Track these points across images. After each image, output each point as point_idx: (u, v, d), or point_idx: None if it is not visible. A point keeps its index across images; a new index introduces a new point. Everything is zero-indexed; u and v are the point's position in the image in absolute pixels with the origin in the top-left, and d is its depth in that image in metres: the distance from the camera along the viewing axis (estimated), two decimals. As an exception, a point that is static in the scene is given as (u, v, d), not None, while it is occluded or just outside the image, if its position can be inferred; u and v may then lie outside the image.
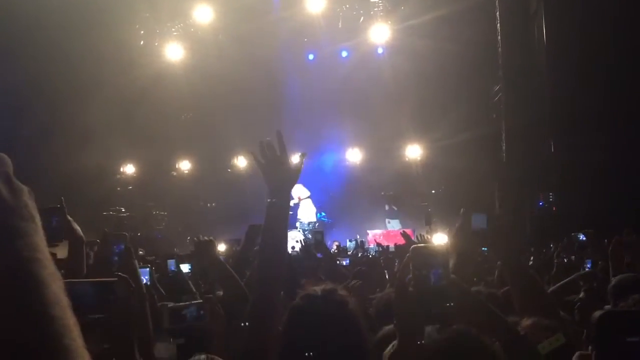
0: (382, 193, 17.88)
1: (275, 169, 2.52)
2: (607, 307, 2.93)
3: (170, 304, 3.62)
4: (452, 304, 1.84)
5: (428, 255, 1.88)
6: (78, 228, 2.95)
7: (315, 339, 1.85)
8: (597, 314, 2.01)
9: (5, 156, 1.01)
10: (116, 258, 3.11)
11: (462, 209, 2.81)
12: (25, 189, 0.99)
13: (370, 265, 5.88)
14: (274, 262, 2.41)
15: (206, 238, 4.35)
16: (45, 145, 13.93)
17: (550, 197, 15.55)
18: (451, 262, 2.76)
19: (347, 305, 1.93)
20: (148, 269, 4.97)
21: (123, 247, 3.11)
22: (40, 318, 0.87)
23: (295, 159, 2.61)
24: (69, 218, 2.91)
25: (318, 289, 1.99)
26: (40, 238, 0.96)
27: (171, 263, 5.20)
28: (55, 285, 0.92)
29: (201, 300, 3.88)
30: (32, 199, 1.00)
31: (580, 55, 13.78)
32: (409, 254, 1.90)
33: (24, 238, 0.94)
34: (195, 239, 4.40)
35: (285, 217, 2.49)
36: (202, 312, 4.02)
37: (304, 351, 1.85)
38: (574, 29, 13.86)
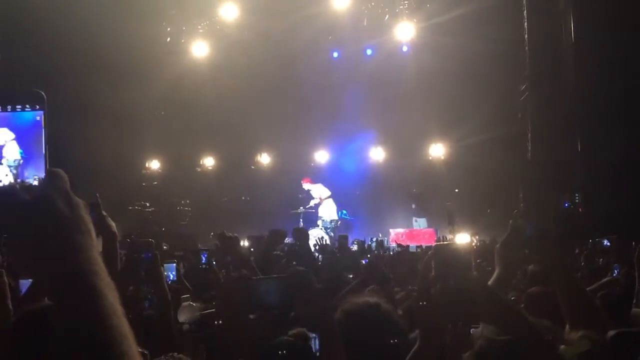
0: (414, 190, 17.76)
1: None
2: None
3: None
4: (474, 304, 1.79)
5: (451, 254, 1.84)
6: (113, 224, 3.00)
7: (363, 353, 1.84)
8: (611, 333, 1.99)
9: (61, 171, 1.06)
10: (143, 266, 3.15)
11: (511, 221, 2.62)
12: (81, 203, 1.05)
13: (391, 265, 5.86)
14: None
15: (231, 234, 4.41)
16: (75, 140, 14.18)
17: (577, 198, 15.34)
18: (494, 275, 2.71)
19: (392, 318, 1.91)
20: (174, 264, 5.04)
21: (150, 255, 3.15)
22: (100, 327, 0.93)
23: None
24: (104, 214, 2.93)
25: (361, 302, 1.96)
26: (96, 251, 1.02)
27: (203, 256, 5.29)
28: (112, 296, 0.98)
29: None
30: (87, 213, 1.05)
31: (608, 54, 13.58)
32: (432, 251, 1.87)
33: (83, 252, 1.00)
34: (220, 234, 4.46)
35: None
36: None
37: None
38: (601, 27, 13.66)
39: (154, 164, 18.98)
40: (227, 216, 16.83)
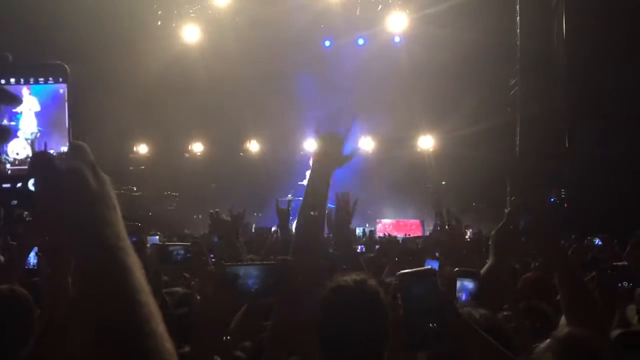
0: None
1: (329, 146, 2.45)
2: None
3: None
4: (440, 326, 1.78)
5: (416, 279, 1.82)
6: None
7: (347, 331, 1.84)
8: (615, 333, 2.01)
9: (86, 146, 1.04)
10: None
11: (507, 209, 2.61)
12: (108, 179, 1.03)
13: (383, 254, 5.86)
14: (312, 237, 2.39)
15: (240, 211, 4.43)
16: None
17: (563, 193, 15.45)
18: (487, 264, 2.70)
19: (378, 296, 1.91)
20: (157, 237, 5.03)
21: (135, 239, 3.12)
22: (129, 303, 0.91)
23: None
24: None
25: (349, 279, 1.96)
26: (122, 227, 1.00)
27: (214, 238, 5.31)
28: (139, 273, 0.95)
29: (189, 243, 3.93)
30: (113, 189, 1.03)
31: (599, 49, 13.64)
32: (396, 280, 1.84)
33: (111, 227, 0.98)
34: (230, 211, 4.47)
35: (324, 195, 2.44)
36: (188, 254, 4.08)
37: (337, 343, 1.85)
38: (593, 23, 13.71)
39: (142, 148, 18.84)
40: (214, 202, 16.77)
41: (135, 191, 16.13)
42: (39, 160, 1.01)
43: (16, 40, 13.77)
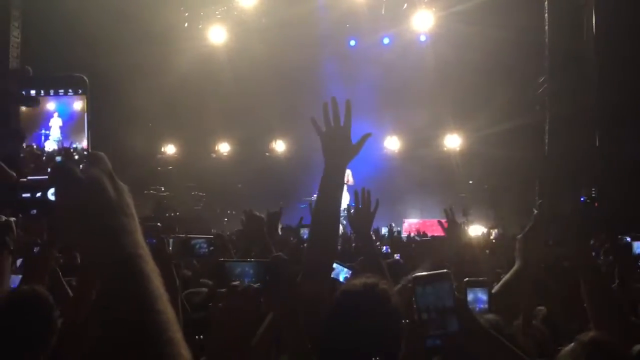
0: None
1: (335, 140, 2.42)
2: None
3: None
4: (455, 332, 1.75)
5: (430, 282, 1.80)
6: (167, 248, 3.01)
7: (356, 336, 1.82)
8: (637, 348, 1.98)
9: (104, 155, 1.06)
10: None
11: (534, 210, 2.57)
12: (126, 187, 1.05)
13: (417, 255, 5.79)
14: (327, 236, 2.38)
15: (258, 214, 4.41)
16: (95, 124, 14.25)
17: (593, 192, 15.16)
18: (513, 268, 2.65)
19: (389, 301, 1.89)
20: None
21: (155, 240, 3.14)
22: (147, 311, 0.93)
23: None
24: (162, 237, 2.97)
25: (359, 282, 1.94)
26: (140, 235, 1.02)
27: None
28: (157, 280, 0.97)
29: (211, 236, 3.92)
30: (131, 197, 1.05)
31: (629, 48, 13.34)
32: (409, 284, 1.83)
33: (129, 235, 1.00)
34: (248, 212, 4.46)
35: (338, 191, 2.42)
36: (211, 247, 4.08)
37: (344, 347, 1.84)
38: (623, 20, 13.42)
39: (170, 149, 19.07)
40: (240, 202, 16.90)
41: (163, 191, 16.31)
42: (59, 171, 1.03)
43: (43, 47, 14.09)
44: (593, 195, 15.11)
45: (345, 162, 2.43)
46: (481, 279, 2.54)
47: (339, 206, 2.44)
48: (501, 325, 2.05)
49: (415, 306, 1.76)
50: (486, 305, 2.42)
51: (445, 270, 1.82)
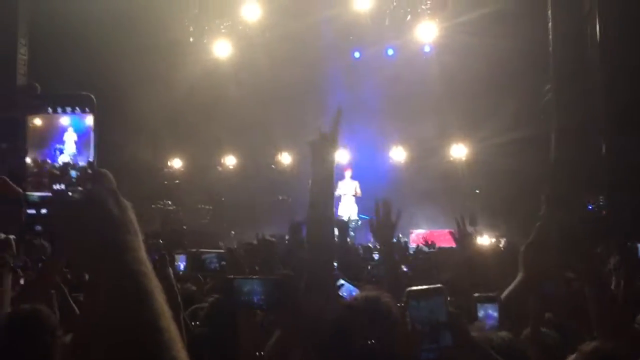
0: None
1: (322, 147, 2.51)
2: None
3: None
4: (448, 347, 1.75)
5: (425, 295, 1.79)
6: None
7: (360, 350, 1.82)
8: None
9: (109, 173, 1.07)
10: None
11: (538, 223, 2.57)
12: (129, 205, 1.06)
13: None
14: (322, 240, 2.39)
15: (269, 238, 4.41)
16: (104, 138, 14.37)
17: (601, 200, 15.09)
18: (516, 280, 2.63)
19: (391, 314, 1.88)
20: (184, 255, 5.09)
21: (156, 257, 3.14)
22: (151, 329, 0.93)
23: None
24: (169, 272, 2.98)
25: (361, 296, 1.94)
26: (144, 252, 1.02)
27: None
28: (161, 298, 0.97)
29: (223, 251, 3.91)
30: (134, 214, 1.06)
31: (634, 55, 13.34)
32: (404, 297, 1.84)
33: (132, 252, 1.00)
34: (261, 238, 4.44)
35: (328, 195, 2.42)
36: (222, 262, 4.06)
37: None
38: (627, 28, 13.43)
39: (176, 163, 19.13)
40: (247, 215, 16.90)
41: (170, 205, 16.34)
42: (55, 194, 1.05)
43: (49, 62, 14.22)
44: (601, 203, 15.04)
45: (328, 153, 2.51)
46: (491, 294, 2.51)
47: (331, 209, 2.47)
48: (514, 342, 2.04)
49: (408, 320, 1.76)
50: (497, 322, 2.40)
51: (439, 285, 1.82)
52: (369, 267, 7.37)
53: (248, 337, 2.48)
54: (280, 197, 18.10)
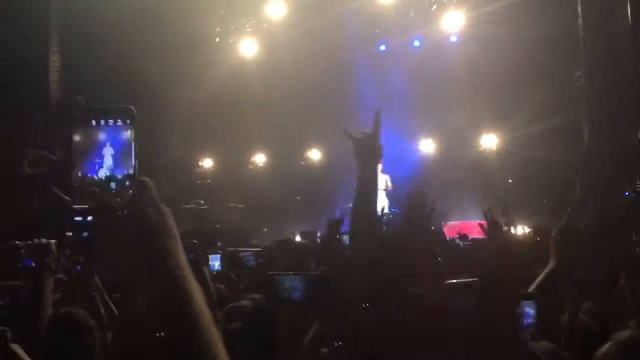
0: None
1: (365, 146, 2.62)
2: None
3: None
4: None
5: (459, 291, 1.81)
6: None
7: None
8: None
9: (149, 180, 1.14)
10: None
11: (568, 208, 2.60)
12: (168, 211, 1.12)
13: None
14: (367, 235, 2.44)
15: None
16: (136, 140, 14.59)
17: (637, 186, 14.78)
18: (547, 268, 2.61)
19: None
20: (219, 255, 5.21)
21: (192, 256, 3.21)
22: (192, 330, 0.99)
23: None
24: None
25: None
26: (183, 256, 1.08)
27: None
28: (201, 299, 1.03)
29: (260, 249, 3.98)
30: (173, 220, 1.12)
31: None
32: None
33: (173, 257, 1.06)
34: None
35: (372, 191, 2.50)
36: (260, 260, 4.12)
37: None
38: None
39: (207, 162, 19.35)
40: (279, 212, 17.03)
41: (203, 204, 16.54)
42: (99, 205, 1.12)
43: (80, 64, 14.48)
44: (637, 188, 14.74)
45: (375, 162, 2.60)
46: (529, 291, 2.49)
47: (375, 205, 2.52)
48: (556, 352, 2.05)
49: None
50: (534, 320, 2.38)
51: (474, 279, 1.84)
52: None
53: (288, 334, 2.55)
54: (298, 198, 18.22)
